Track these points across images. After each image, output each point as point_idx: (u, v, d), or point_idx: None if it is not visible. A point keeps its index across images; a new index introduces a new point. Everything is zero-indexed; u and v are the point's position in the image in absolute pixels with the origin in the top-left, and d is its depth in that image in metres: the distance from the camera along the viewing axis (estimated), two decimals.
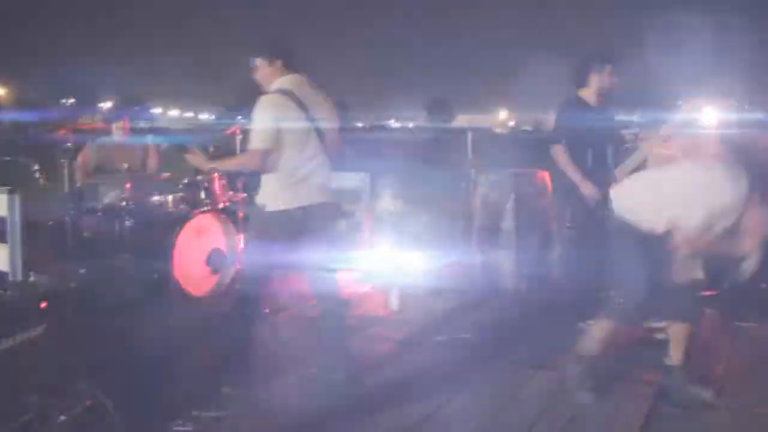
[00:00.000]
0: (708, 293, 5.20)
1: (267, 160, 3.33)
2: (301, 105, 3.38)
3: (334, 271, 3.62)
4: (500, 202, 5.54)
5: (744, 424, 3.21)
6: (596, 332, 3.48)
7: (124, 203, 4.89)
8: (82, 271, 3.25)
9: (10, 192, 3.41)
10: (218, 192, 5.16)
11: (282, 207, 3.42)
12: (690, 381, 3.45)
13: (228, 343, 3.82)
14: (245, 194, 5.49)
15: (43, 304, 2.82)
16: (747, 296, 5.21)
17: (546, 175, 5.87)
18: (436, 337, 4.38)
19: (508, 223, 5.51)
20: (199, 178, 5.12)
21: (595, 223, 4.19)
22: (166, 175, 5.44)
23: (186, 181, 5.16)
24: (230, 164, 3.60)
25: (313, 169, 3.44)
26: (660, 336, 3.92)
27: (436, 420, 3.24)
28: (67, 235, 4.37)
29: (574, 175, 4.42)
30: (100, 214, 4.81)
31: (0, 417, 2.60)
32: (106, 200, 5.04)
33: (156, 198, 5.11)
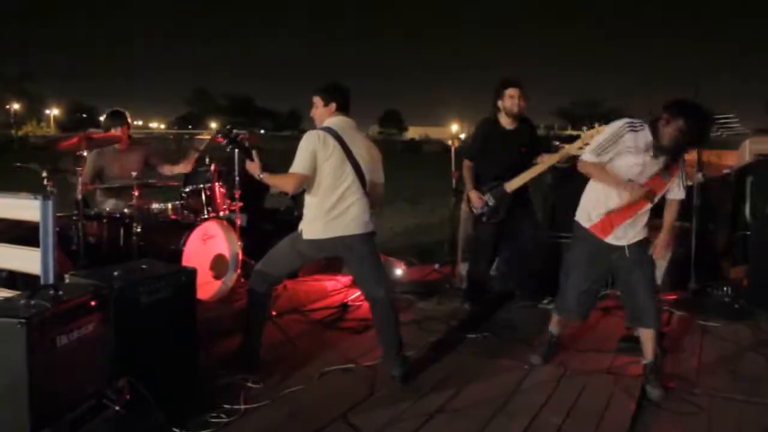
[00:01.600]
0: (671, 297, 5.72)
1: (300, 185, 3.75)
2: (343, 144, 3.76)
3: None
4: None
5: (720, 413, 3.56)
6: (552, 319, 4.30)
7: (126, 210, 5.03)
8: (116, 273, 3.40)
9: (45, 198, 3.56)
10: (219, 200, 5.35)
11: (315, 237, 3.81)
12: (656, 377, 3.79)
13: (242, 343, 4.07)
14: (242, 203, 5.69)
15: (93, 303, 2.99)
16: (708, 298, 5.72)
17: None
18: (429, 338, 4.65)
19: None
20: (201, 186, 5.29)
21: (485, 228, 5.27)
22: (174, 183, 5.59)
23: (188, 189, 5.32)
24: (274, 179, 3.89)
25: (349, 205, 3.79)
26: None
27: (449, 409, 3.52)
28: (75, 241, 4.51)
29: (467, 184, 5.29)
30: (105, 220, 4.93)
31: (59, 408, 2.77)
32: (108, 207, 5.16)
33: (156, 205, 5.26)
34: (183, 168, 5.68)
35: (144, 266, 3.62)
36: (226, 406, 3.42)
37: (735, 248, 6.43)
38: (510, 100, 5.02)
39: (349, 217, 3.81)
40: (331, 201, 3.77)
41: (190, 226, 4.94)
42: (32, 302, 2.76)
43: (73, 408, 2.82)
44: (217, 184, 5.32)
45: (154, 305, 3.39)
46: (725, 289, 5.81)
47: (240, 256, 5.26)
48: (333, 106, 3.91)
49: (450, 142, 6.49)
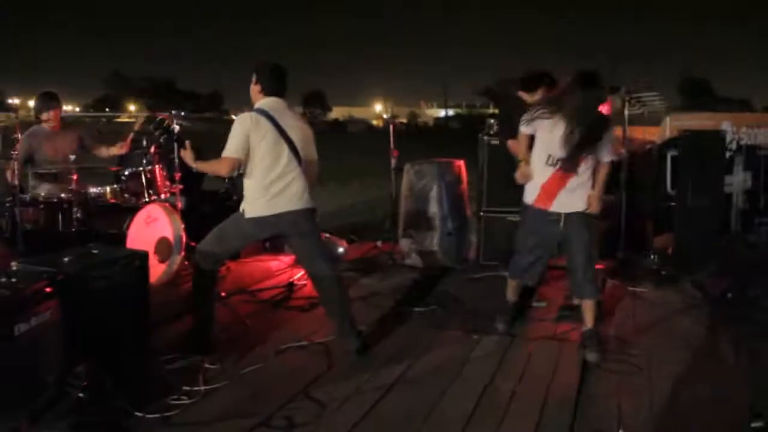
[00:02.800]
0: (600, 266, 6.04)
1: (233, 167, 3.77)
2: (276, 124, 3.79)
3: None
4: (426, 188, 6.00)
5: (659, 371, 3.81)
6: (509, 287, 4.50)
7: (63, 194, 4.89)
8: (66, 259, 3.32)
9: None
10: (160, 183, 5.25)
11: (259, 214, 3.84)
12: (594, 342, 4.02)
13: (194, 325, 4.06)
14: (182, 185, 5.61)
15: (48, 289, 2.92)
16: (636, 265, 6.06)
17: (462, 164, 6.42)
18: (377, 313, 4.75)
19: (433, 208, 5.98)
20: (140, 169, 5.18)
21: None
22: (113, 168, 5.44)
23: (128, 171, 5.20)
24: (206, 166, 3.93)
25: (288, 181, 3.84)
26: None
27: (406, 379, 3.63)
28: (9, 228, 4.36)
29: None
30: (41, 206, 4.78)
31: (22, 395, 2.71)
32: (43, 193, 4.99)
33: (94, 189, 5.12)
34: (119, 149, 5.54)
35: (94, 251, 3.56)
36: (185, 387, 3.41)
37: (658, 218, 6.82)
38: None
39: (290, 193, 3.86)
40: (270, 179, 3.81)
41: (132, 210, 4.87)
42: None
43: (34, 396, 2.77)
44: (157, 166, 5.23)
45: (107, 290, 3.35)
46: (652, 256, 6.16)
47: (183, 239, 5.19)
48: (258, 87, 3.94)
49: (375, 122, 6.57)
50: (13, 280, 2.85)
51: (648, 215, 6.90)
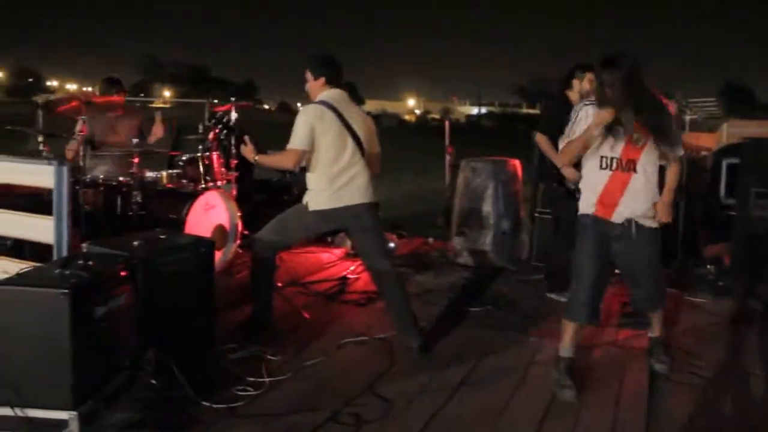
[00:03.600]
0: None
1: (299, 160, 3.73)
2: (340, 116, 3.74)
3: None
4: (481, 187, 5.91)
5: (725, 383, 3.69)
6: (565, 334, 3.60)
7: (122, 177, 4.89)
8: (136, 243, 3.30)
9: (60, 163, 3.42)
10: (217, 169, 5.24)
11: (322, 207, 3.79)
12: (661, 350, 3.89)
13: (253, 314, 4.03)
14: (238, 173, 5.59)
15: (123, 273, 2.90)
16: (694, 276, 5.91)
17: (517, 164, 6.31)
18: (433, 311, 4.68)
19: (487, 207, 5.89)
20: (198, 155, 5.17)
21: (572, 202, 4.74)
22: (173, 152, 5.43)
23: (185, 157, 5.19)
24: (270, 160, 3.95)
25: (353, 175, 3.79)
26: None
27: (471, 380, 3.56)
28: (75, 209, 4.36)
29: (558, 160, 4.84)
30: (102, 188, 4.78)
31: (99, 380, 2.69)
32: (101, 174, 4.99)
33: (151, 173, 5.11)
34: (158, 132, 5.47)
35: (162, 236, 3.53)
36: (250, 378, 3.37)
37: (711, 227, 6.64)
38: (589, 83, 4.83)
39: (355, 187, 3.81)
40: (335, 172, 3.76)
41: (191, 195, 4.84)
42: (67, 272, 2.67)
43: (110, 380, 2.75)
44: (215, 153, 5.21)
45: (176, 276, 3.32)
46: (708, 266, 6.00)
47: (239, 227, 5.17)
48: (322, 80, 3.88)
49: (407, 117, 6.50)
50: (90, 262, 2.82)
51: (701, 224, 6.73)
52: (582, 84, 4.99)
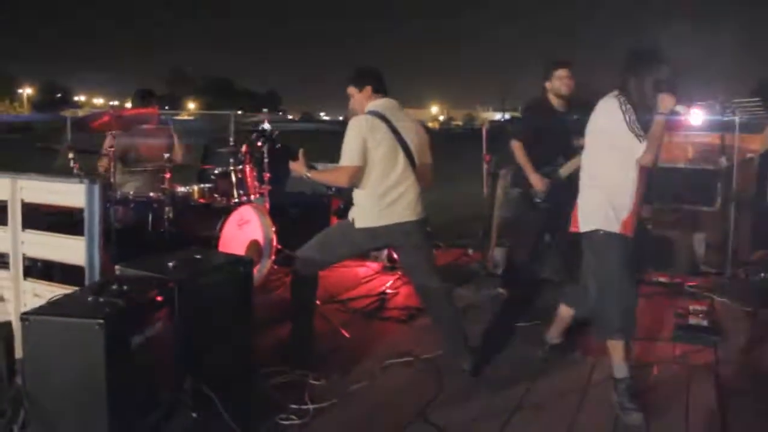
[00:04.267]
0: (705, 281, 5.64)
1: (354, 177, 3.52)
2: (392, 127, 3.54)
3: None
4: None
5: None
6: (615, 354, 3.36)
7: (152, 193, 4.74)
8: (171, 264, 3.13)
9: (91, 181, 3.27)
10: (250, 183, 5.07)
11: (370, 224, 3.59)
12: None
13: (294, 335, 3.83)
14: (271, 187, 5.43)
15: (159, 298, 2.73)
16: (746, 284, 5.62)
17: None
18: (477, 327, 4.45)
19: None
20: (231, 168, 5.01)
21: (536, 214, 4.79)
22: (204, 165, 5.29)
23: (217, 171, 5.03)
24: (323, 177, 3.80)
25: (403, 191, 3.58)
26: None
27: (528, 404, 3.33)
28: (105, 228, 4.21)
29: (526, 167, 4.78)
30: (132, 204, 4.64)
31: (136, 414, 2.52)
32: (131, 191, 4.85)
33: (182, 188, 4.96)
34: (176, 156, 5.28)
35: (197, 255, 3.35)
36: (293, 406, 3.18)
37: (758, 232, 6.35)
38: (559, 80, 4.75)
39: (405, 203, 3.60)
40: (385, 187, 3.55)
41: (224, 211, 4.68)
42: (101, 299, 2.50)
43: (148, 413, 2.58)
44: (248, 166, 5.05)
45: (214, 298, 3.13)
46: (762, 274, 5.70)
47: (274, 243, 5.00)
48: (368, 89, 3.70)
49: (430, 124, 6.29)
50: (125, 287, 2.65)
51: (746, 229, 6.43)
52: (552, 83, 4.79)
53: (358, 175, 3.52)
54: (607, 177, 3.31)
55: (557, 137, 4.78)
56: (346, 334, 4.23)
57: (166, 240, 4.45)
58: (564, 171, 4.75)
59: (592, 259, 3.42)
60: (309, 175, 3.70)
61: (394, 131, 3.55)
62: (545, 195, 4.75)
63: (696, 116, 7.39)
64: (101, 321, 2.29)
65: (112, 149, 4.15)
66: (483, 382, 3.58)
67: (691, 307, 4.65)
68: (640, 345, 4.18)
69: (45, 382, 2.33)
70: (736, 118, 5.88)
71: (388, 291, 5.16)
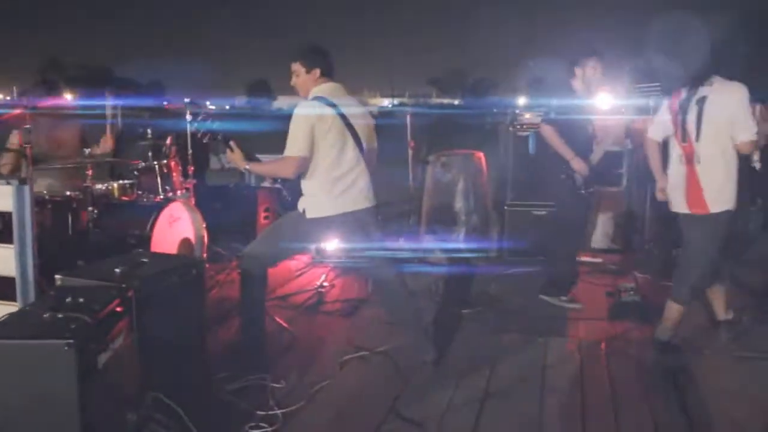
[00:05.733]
0: None
1: (301, 168, 3.36)
2: (339, 112, 3.40)
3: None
4: (452, 182, 5.70)
5: None
6: (669, 316, 3.75)
7: (69, 192, 4.36)
8: (118, 269, 2.86)
9: (21, 182, 2.94)
10: (176, 178, 4.78)
11: (323, 214, 3.45)
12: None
13: (245, 337, 3.65)
14: (195, 181, 5.15)
15: (120, 309, 2.48)
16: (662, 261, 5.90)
17: (482, 156, 6.14)
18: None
19: (459, 203, 5.69)
20: (155, 163, 4.69)
21: (579, 198, 4.55)
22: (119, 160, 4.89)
23: (141, 165, 4.69)
24: (264, 169, 3.55)
25: (354, 178, 3.47)
26: None
27: (494, 391, 3.33)
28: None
29: (566, 152, 4.60)
30: (49, 205, 4.24)
31: None
32: (44, 190, 4.44)
33: (100, 186, 4.59)
34: (105, 147, 4.93)
35: (143, 258, 3.10)
36: (260, 412, 3.02)
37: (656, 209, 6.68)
38: (592, 69, 4.63)
39: (357, 190, 3.50)
40: (336, 175, 3.42)
41: (152, 209, 4.36)
42: (59, 315, 2.23)
43: None
44: (173, 162, 4.75)
45: (169, 304, 2.90)
46: (675, 250, 5.98)
47: (205, 240, 4.74)
48: (317, 72, 3.51)
49: None
50: (80, 300, 2.39)
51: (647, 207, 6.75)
52: (585, 71, 4.76)
53: (304, 166, 3.36)
54: (733, 161, 3.55)
55: (583, 123, 4.69)
56: (293, 332, 4.08)
57: (90, 243, 4.10)
58: (595, 157, 4.68)
59: (705, 237, 3.63)
60: (248, 167, 3.50)
61: (342, 116, 3.41)
62: (588, 182, 4.58)
63: (603, 100, 7.73)
64: (70, 340, 2.04)
65: (29, 146, 3.74)
66: (443, 372, 3.54)
67: (620, 285, 4.84)
68: (584, 324, 4.33)
69: (8, 412, 2.05)
70: (650, 102, 6.14)
71: (325, 284, 5.03)
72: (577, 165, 4.49)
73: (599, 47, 4.72)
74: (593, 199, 4.93)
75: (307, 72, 3.51)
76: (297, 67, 3.52)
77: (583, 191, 4.56)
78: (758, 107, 4.77)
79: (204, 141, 3.53)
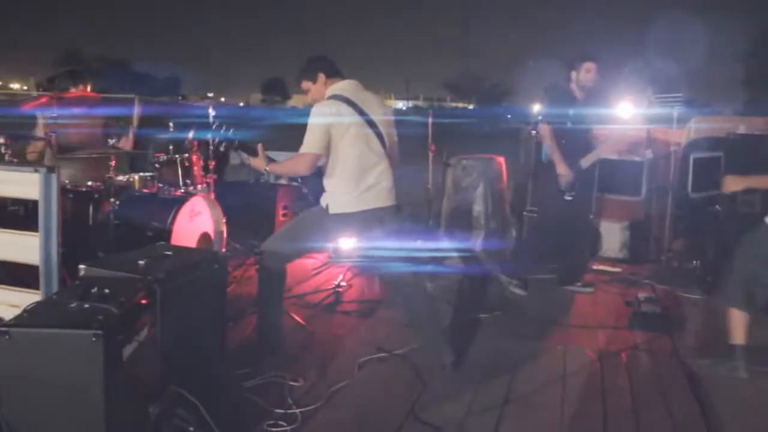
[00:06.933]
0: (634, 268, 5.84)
1: (314, 165, 3.36)
2: (357, 109, 3.38)
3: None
4: (472, 186, 5.66)
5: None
6: (734, 325, 3.65)
7: (91, 183, 4.37)
8: (142, 262, 2.85)
9: (49, 170, 2.94)
10: (197, 172, 4.77)
11: (347, 210, 3.44)
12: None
13: (264, 335, 3.63)
14: (216, 176, 5.14)
15: (144, 301, 2.47)
16: (680, 272, 5.87)
17: (503, 161, 6.10)
18: (442, 319, 4.39)
19: (478, 206, 5.65)
20: (177, 156, 4.69)
21: (560, 203, 4.74)
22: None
23: (163, 158, 4.69)
24: (281, 168, 3.59)
25: (379, 175, 3.46)
26: None
27: (514, 396, 3.30)
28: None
29: (555, 154, 4.74)
30: (71, 195, 4.24)
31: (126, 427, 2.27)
32: (66, 180, 4.44)
33: (122, 177, 4.60)
34: (125, 145, 4.92)
35: (167, 252, 3.09)
36: (278, 411, 3.00)
37: (678, 222, 6.65)
38: (587, 73, 4.76)
39: (381, 188, 3.49)
40: (360, 172, 3.41)
41: (175, 202, 4.36)
42: (86, 306, 2.23)
43: (142, 430, 2.33)
44: (195, 156, 4.74)
45: (192, 298, 2.89)
46: (694, 262, 5.96)
47: (225, 235, 4.73)
48: (321, 77, 3.53)
49: None
50: (106, 291, 2.38)
51: (668, 218, 6.73)
52: (579, 74, 4.82)
53: (317, 163, 3.36)
54: None
55: (578, 127, 4.76)
56: (311, 330, 4.07)
57: (111, 234, 4.10)
58: (585, 162, 4.74)
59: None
60: (269, 169, 3.51)
61: (362, 113, 3.40)
62: (572, 187, 4.73)
63: (625, 110, 7.67)
64: (98, 331, 2.03)
65: (54, 135, 3.75)
66: (463, 377, 3.51)
67: (640, 295, 4.79)
68: (602, 333, 4.28)
69: (35, 401, 2.05)
70: (674, 112, 6.10)
71: (343, 284, 5.00)
72: (561, 169, 4.62)
73: (595, 51, 4.78)
74: (589, 204, 5.04)
75: (314, 83, 3.53)
76: (305, 85, 3.57)
77: (567, 196, 4.73)
78: None
79: (221, 150, 3.53)
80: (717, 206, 6.11)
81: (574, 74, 4.85)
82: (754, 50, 41.49)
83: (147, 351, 2.44)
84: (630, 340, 4.17)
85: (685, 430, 3.03)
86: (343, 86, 3.48)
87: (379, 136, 3.46)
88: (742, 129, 8.37)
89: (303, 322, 4.16)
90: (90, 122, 4.66)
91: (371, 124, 3.43)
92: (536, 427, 3.01)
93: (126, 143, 4.73)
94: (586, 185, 4.98)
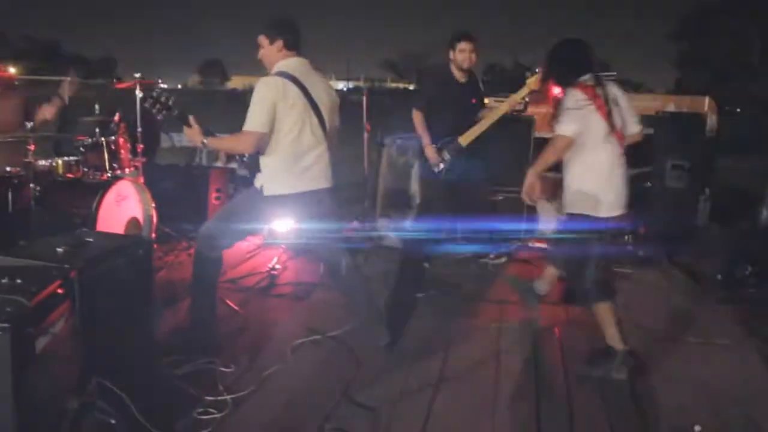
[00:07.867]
0: None
1: (258, 144, 3.27)
2: (304, 90, 3.31)
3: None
4: (407, 165, 5.66)
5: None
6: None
7: (10, 168, 4.17)
8: (60, 249, 2.73)
9: None
10: (124, 156, 4.61)
11: (282, 192, 3.37)
12: None
13: (195, 320, 3.55)
14: (145, 159, 4.99)
15: (61, 291, 2.37)
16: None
17: None
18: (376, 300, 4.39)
19: (414, 186, 5.65)
20: (102, 140, 4.51)
21: (437, 183, 4.88)
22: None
23: (88, 142, 4.50)
24: (222, 144, 3.46)
25: (317, 156, 3.41)
26: None
27: (449, 374, 3.33)
28: None
29: (423, 138, 4.87)
30: None
31: (45, 427, 2.18)
32: None
33: (43, 162, 4.40)
34: (44, 114, 4.65)
35: (87, 238, 2.97)
36: (208, 398, 2.94)
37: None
38: (461, 53, 4.77)
39: (318, 170, 3.45)
40: (298, 153, 3.35)
41: (99, 187, 4.21)
42: None
43: (58, 425, 2.24)
44: (121, 139, 4.57)
45: (115, 286, 2.78)
46: (626, 237, 6.12)
47: (154, 219, 4.60)
48: (280, 43, 3.41)
49: None
50: (17, 280, 2.27)
51: None
52: (455, 54, 4.85)
53: (260, 143, 3.27)
54: None
55: (458, 107, 4.79)
56: (243, 314, 4.01)
57: (32, 222, 3.93)
58: (463, 140, 4.77)
59: None
60: (206, 142, 3.39)
61: (306, 94, 3.33)
62: (448, 164, 4.78)
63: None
64: (5, 324, 1.93)
65: None
66: (397, 357, 3.51)
67: None
68: (543, 309, 4.34)
69: None
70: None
71: (277, 266, 4.94)
72: (427, 152, 4.82)
73: (471, 31, 4.85)
74: (478, 184, 5.06)
75: (270, 43, 3.41)
76: (261, 39, 3.44)
77: (437, 170, 4.87)
78: None
79: (159, 116, 3.37)
80: (648, 183, 6.34)
81: (452, 54, 4.87)
82: (684, 30, 42.76)
83: (65, 342, 2.35)
84: (563, 315, 4.26)
85: (617, 402, 3.11)
86: (294, 64, 3.39)
87: (320, 118, 3.41)
88: (671, 107, 8.69)
89: (236, 308, 4.08)
90: (4, 104, 4.43)
91: (314, 107, 3.37)
92: (470, 405, 3.04)
93: (46, 110, 4.45)
94: (476, 165, 4.92)
